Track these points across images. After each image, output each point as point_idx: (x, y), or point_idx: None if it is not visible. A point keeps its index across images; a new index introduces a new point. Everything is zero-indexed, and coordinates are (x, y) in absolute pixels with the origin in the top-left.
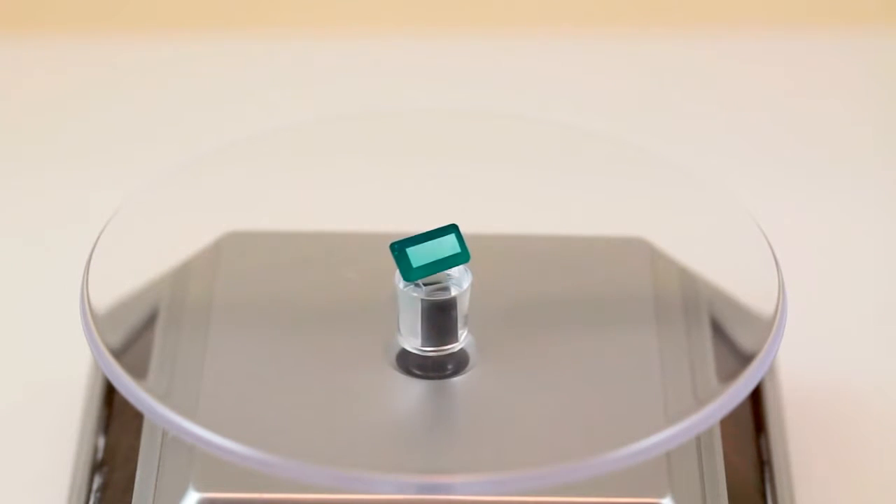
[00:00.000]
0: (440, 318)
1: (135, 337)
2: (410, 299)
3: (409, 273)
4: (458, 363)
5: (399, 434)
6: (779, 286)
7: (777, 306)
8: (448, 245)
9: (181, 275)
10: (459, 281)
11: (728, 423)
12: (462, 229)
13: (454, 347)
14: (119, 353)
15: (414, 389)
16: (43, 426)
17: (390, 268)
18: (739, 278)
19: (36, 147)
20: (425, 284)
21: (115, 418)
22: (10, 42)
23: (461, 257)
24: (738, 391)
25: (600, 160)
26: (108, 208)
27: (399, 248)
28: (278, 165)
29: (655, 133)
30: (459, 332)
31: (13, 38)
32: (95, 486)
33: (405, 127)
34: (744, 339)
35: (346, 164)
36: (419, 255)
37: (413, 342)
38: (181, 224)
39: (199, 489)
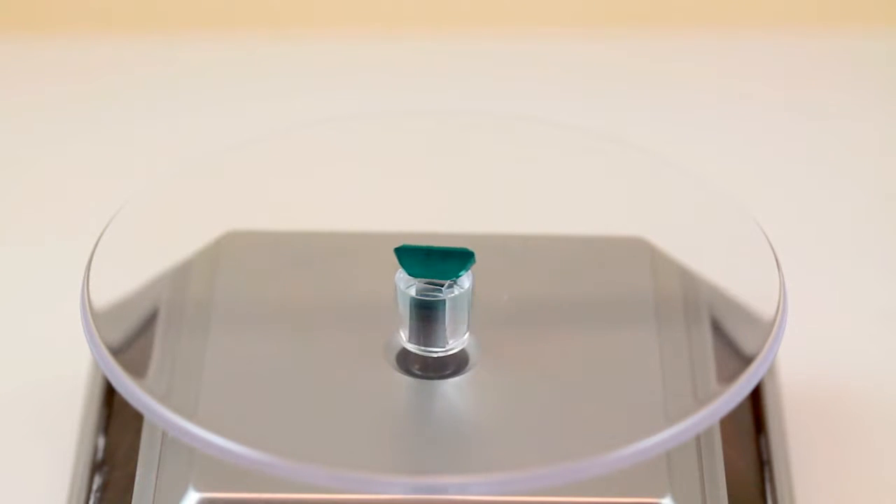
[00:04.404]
0: (441, 319)
1: (135, 337)
2: (411, 299)
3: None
4: (459, 363)
5: (399, 434)
6: (779, 286)
7: (778, 306)
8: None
9: (181, 275)
10: (460, 281)
11: (728, 423)
12: (462, 229)
13: (455, 347)
14: (119, 353)
15: (414, 389)
16: (43, 426)
17: (391, 268)
18: (739, 278)
19: (37, 146)
20: (426, 285)
21: (115, 418)
22: (11, 42)
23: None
24: (738, 391)
25: (600, 160)
26: (109, 208)
27: (459, 266)
28: (278, 165)
29: (655, 133)
30: (460, 332)
31: (14, 38)
32: (95, 486)
33: (405, 127)
34: (744, 340)
35: (346, 164)
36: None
37: (414, 342)
38: (181, 224)
39: (199, 489)
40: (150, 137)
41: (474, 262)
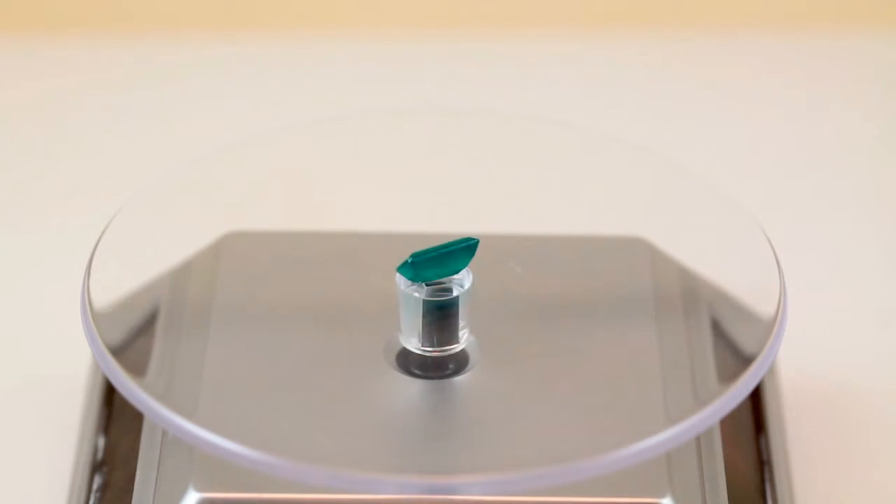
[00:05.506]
0: (441, 319)
1: (135, 337)
2: (412, 299)
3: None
4: (459, 363)
5: (399, 434)
6: (780, 286)
7: (778, 306)
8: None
9: (181, 275)
10: (461, 281)
11: (728, 423)
12: (463, 229)
13: (455, 347)
14: (119, 353)
15: (414, 389)
16: (43, 426)
17: (391, 268)
18: (740, 278)
19: (38, 146)
20: (427, 284)
21: (115, 418)
22: (11, 42)
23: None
24: (739, 391)
25: (600, 160)
26: (109, 208)
27: (467, 255)
28: (278, 165)
29: (655, 133)
30: (460, 332)
31: (13, 38)
32: (95, 486)
33: (406, 127)
34: (744, 340)
35: (346, 164)
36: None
37: (414, 342)
38: (181, 224)
39: (199, 489)
40: (151, 137)
41: (478, 243)
